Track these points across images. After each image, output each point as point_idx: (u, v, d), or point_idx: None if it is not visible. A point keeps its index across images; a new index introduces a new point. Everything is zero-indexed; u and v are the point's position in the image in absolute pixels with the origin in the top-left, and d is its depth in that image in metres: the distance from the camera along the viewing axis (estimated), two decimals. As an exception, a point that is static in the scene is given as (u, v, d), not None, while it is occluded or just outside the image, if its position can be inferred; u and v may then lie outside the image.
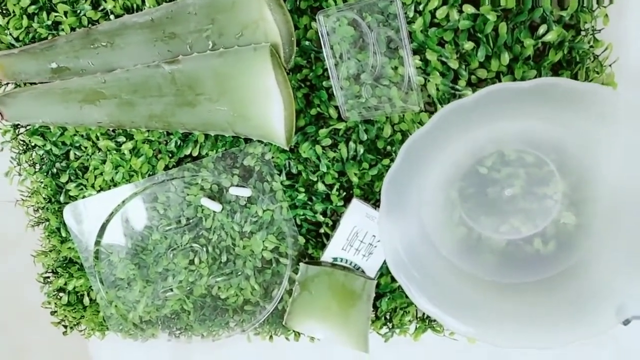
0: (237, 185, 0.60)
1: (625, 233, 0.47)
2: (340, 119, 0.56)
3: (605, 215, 0.49)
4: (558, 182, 0.52)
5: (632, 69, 0.53)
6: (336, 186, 0.58)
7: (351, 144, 0.56)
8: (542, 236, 0.53)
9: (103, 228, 0.62)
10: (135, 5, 0.58)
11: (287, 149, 0.57)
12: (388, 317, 0.61)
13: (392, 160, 0.56)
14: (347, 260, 0.57)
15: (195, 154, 0.60)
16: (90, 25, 0.59)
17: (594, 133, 0.46)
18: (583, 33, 0.52)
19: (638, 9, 0.53)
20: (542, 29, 0.51)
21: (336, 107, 0.56)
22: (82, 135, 0.62)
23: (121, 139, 0.61)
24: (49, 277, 0.68)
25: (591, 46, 0.52)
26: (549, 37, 0.51)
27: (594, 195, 0.50)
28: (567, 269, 0.50)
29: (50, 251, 0.67)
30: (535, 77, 0.52)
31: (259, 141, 0.58)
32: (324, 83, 0.56)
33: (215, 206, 0.60)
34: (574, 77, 0.53)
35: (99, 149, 0.62)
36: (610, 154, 0.47)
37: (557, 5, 0.52)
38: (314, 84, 0.57)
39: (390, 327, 0.61)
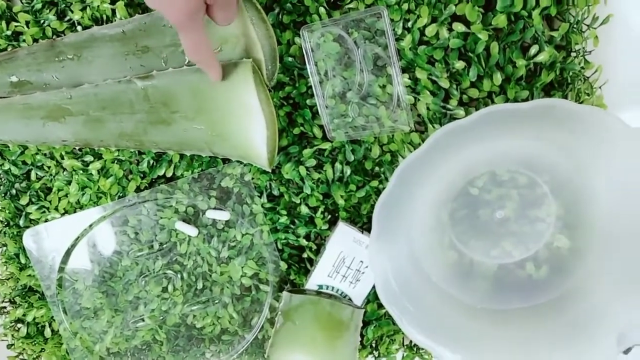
0: (214, 208, 0.58)
1: (622, 257, 0.47)
2: (325, 138, 0.55)
3: (601, 239, 0.49)
4: (551, 204, 0.52)
5: (620, 91, 0.54)
6: (321, 209, 0.56)
7: (337, 165, 0.55)
8: (534, 260, 0.53)
9: (68, 254, 0.60)
10: (105, 17, 0.56)
11: (269, 171, 0.55)
12: (374, 345, 0.60)
13: (380, 182, 0.55)
14: (333, 288, 0.56)
15: (169, 174, 0.58)
16: (54, 37, 0.57)
17: (590, 155, 0.47)
18: (574, 54, 0.53)
19: (625, 31, 0.54)
20: (533, 49, 0.51)
21: (321, 127, 0.55)
22: (44, 154, 0.59)
23: (88, 158, 0.59)
24: (5, 307, 0.64)
25: (582, 67, 0.53)
26: (541, 58, 0.51)
27: (588, 218, 0.50)
28: (562, 295, 0.50)
29: (8, 279, 0.63)
30: (527, 97, 0.52)
31: (238, 161, 0.56)
32: (308, 101, 0.55)
33: (191, 230, 0.58)
34: (565, 98, 0.53)
35: (64, 169, 0.59)
36: (606, 176, 0.47)
37: (547, 26, 0.53)
38: (297, 102, 0.55)
39: (377, 355, 0.59)
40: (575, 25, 0.51)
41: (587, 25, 0.52)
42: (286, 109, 0.55)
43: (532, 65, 0.52)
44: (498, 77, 0.51)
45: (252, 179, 0.57)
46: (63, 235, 0.59)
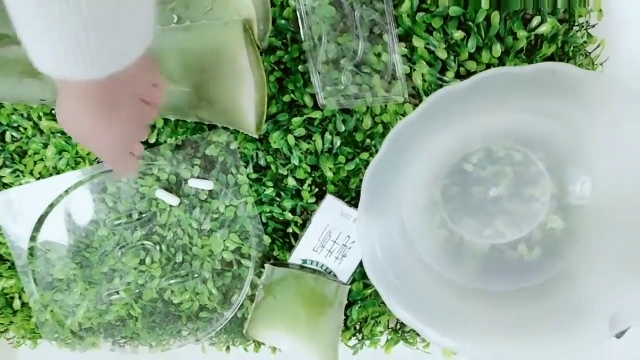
0: (198, 177, 0.56)
1: (617, 239, 0.47)
2: (316, 107, 0.54)
3: (596, 220, 0.49)
4: (547, 183, 0.51)
5: (621, 70, 0.53)
6: (308, 181, 0.55)
7: (327, 136, 0.54)
8: (527, 241, 0.53)
9: (41, 221, 0.57)
10: None
11: (257, 138, 0.53)
12: (358, 327, 0.58)
13: (371, 155, 0.54)
14: (317, 263, 0.54)
15: (152, 141, 0.56)
16: None
17: (590, 129, 0.46)
18: (576, 28, 0.52)
19: (632, 5, 0.53)
20: (535, 20, 0.51)
21: (312, 95, 0.54)
22: (21, 115, 0.57)
23: (67, 120, 0.56)
24: None
25: (585, 41, 0.52)
26: (543, 30, 0.50)
27: (584, 198, 0.50)
28: (555, 277, 0.50)
29: None
30: None
31: (224, 128, 0.55)
32: (300, 67, 0.53)
33: (173, 200, 0.56)
34: None
35: (41, 131, 0.57)
36: (605, 153, 0.47)
37: None
38: (289, 68, 0.54)
39: (360, 338, 0.58)
40: None
41: None
42: (277, 75, 0.53)
43: (533, 38, 0.51)
44: (498, 49, 0.50)
45: (239, 148, 0.55)
46: (37, 201, 0.57)
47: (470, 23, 0.50)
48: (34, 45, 0.32)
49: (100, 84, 0.34)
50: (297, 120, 0.53)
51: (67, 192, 0.57)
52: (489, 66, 0.52)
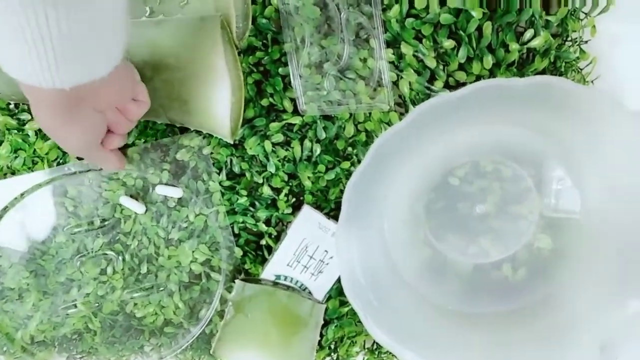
0: (166, 184, 0.53)
1: (607, 259, 0.46)
2: (295, 112, 0.52)
3: (585, 240, 0.48)
4: (535, 200, 0.50)
5: (612, 87, 0.53)
6: (285, 190, 0.52)
7: (306, 143, 0.52)
8: (512, 261, 0.52)
9: None
10: None
11: (231, 143, 0.51)
12: (333, 346, 0.56)
13: (352, 164, 0.52)
14: (292, 279, 0.52)
15: (119, 143, 0.53)
16: None
17: (581, 146, 0.45)
18: (569, 43, 0.52)
19: (624, 23, 0.53)
20: (528, 33, 0.50)
21: (292, 100, 0.52)
22: (-28, 108, 0.54)
23: (25, 116, 0.53)
24: None
25: (577, 57, 0.52)
26: (536, 43, 0.50)
27: (573, 217, 0.49)
28: (540, 300, 0.49)
29: None
30: None
31: (197, 132, 0.52)
32: (281, 70, 0.51)
33: (138, 207, 0.53)
34: None
35: (-5, 127, 0.54)
36: (597, 170, 0.46)
37: (544, 10, 0.51)
38: (269, 70, 0.52)
39: (335, 358, 0.56)
40: (573, 12, 0.50)
41: (586, 14, 0.51)
42: (255, 77, 0.51)
43: (525, 51, 0.51)
44: (489, 60, 0.49)
45: (212, 153, 0.53)
46: None
47: (461, 32, 0.49)
48: (3, 51, 0.33)
49: (63, 92, 0.35)
50: (275, 125, 0.51)
51: (22, 195, 0.53)
52: (478, 77, 0.51)
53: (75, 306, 0.56)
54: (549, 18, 0.49)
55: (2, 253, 0.55)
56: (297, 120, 0.51)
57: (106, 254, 0.55)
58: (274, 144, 0.52)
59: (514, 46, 0.49)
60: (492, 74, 0.50)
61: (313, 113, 0.50)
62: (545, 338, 0.45)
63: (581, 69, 0.52)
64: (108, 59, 0.37)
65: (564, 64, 0.51)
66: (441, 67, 0.50)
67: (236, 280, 0.52)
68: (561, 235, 0.50)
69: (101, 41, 0.35)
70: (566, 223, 0.49)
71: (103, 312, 0.56)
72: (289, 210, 0.53)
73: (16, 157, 0.54)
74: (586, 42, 0.52)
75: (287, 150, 0.52)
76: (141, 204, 0.53)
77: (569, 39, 0.52)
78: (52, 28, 0.31)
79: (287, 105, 0.51)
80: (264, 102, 0.52)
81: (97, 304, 0.56)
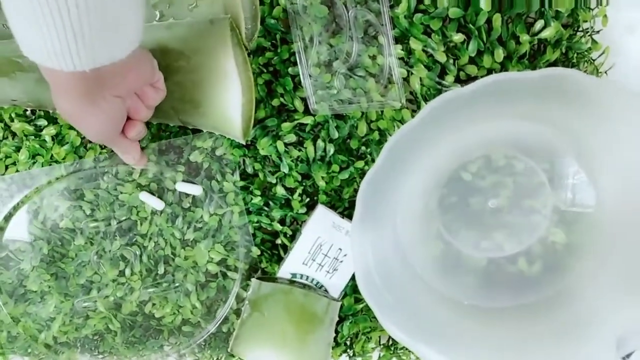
0: (186, 181, 0.54)
1: (622, 253, 0.46)
2: (307, 112, 0.52)
3: (599, 234, 0.48)
4: (548, 194, 0.50)
5: (625, 77, 0.53)
6: (299, 190, 0.53)
7: (319, 142, 0.52)
8: (526, 255, 0.52)
9: (7, 219, 0.55)
10: None
11: (243, 144, 0.52)
12: (349, 343, 0.57)
13: (366, 163, 0.52)
14: (307, 277, 0.53)
15: (133, 145, 0.54)
16: None
17: (595, 138, 0.45)
18: (580, 33, 0.52)
19: (635, 12, 0.52)
20: (538, 24, 0.50)
21: (302, 99, 0.52)
22: (-9, 116, 0.55)
23: (41, 122, 0.55)
24: None
25: (589, 48, 0.51)
26: (547, 34, 0.49)
27: (587, 212, 0.49)
28: (556, 294, 0.49)
29: None
30: None
31: (209, 133, 0.53)
32: (290, 70, 0.52)
33: (157, 203, 0.54)
34: None
35: (13, 134, 0.55)
36: (611, 165, 0.46)
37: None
38: (278, 70, 0.52)
39: (351, 354, 0.57)
40: (583, 2, 0.50)
41: (597, 2, 0.51)
42: (265, 77, 0.52)
43: (535, 42, 0.51)
44: (500, 53, 0.49)
45: (224, 154, 0.53)
46: (7, 196, 0.55)
47: (471, 25, 0.49)
48: (23, 34, 0.34)
49: (85, 75, 0.36)
50: (286, 125, 0.52)
51: (37, 189, 0.55)
52: (490, 71, 0.51)
53: (96, 307, 0.57)
54: (559, 9, 0.49)
55: (24, 256, 0.56)
56: (308, 120, 0.52)
57: (124, 256, 0.56)
58: (286, 144, 0.52)
59: (524, 38, 0.49)
60: (503, 66, 0.50)
61: (324, 112, 0.51)
62: (561, 332, 0.45)
63: (594, 60, 0.52)
64: (127, 39, 0.37)
65: (575, 54, 0.51)
66: (451, 61, 0.50)
67: (252, 279, 0.53)
68: (575, 230, 0.50)
69: (120, 20, 0.35)
70: (580, 217, 0.49)
71: (123, 313, 0.57)
72: (303, 210, 0.54)
73: (34, 163, 0.55)
74: (598, 32, 0.52)
75: (300, 150, 0.53)
76: (160, 201, 0.54)
77: (580, 29, 0.51)
78: (70, 4, 0.31)
79: (298, 104, 0.52)
80: (275, 102, 0.52)
81: (116, 305, 0.57)
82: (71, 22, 0.31)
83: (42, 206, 0.55)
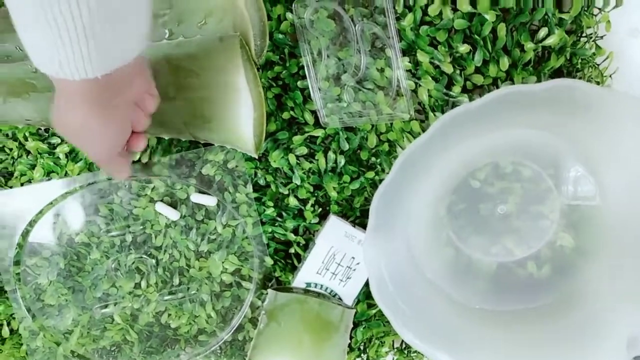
0: (200, 192, 0.56)
1: (630, 257, 0.47)
2: (317, 125, 0.54)
3: (607, 238, 0.50)
4: (555, 200, 0.52)
5: (630, 81, 0.55)
6: (311, 201, 0.55)
7: (330, 154, 0.54)
8: (536, 259, 0.53)
9: (25, 235, 0.57)
10: None
11: (256, 157, 0.54)
12: (362, 347, 0.59)
13: (376, 174, 0.54)
14: (322, 286, 0.55)
15: (144, 160, 0.56)
16: None
17: (602, 146, 0.47)
18: (584, 39, 0.53)
19: (638, 16, 0.54)
20: (542, 32, 0.51)
21: (312, 112, 0.54)
22: (6, 135, 0.57)
23: (55, 140, 0.57)
24: None
25: (593, 53, 0.53)
26: (551, 41, 0.51)
27: (596, 216, 0.50)
28: (565, 297, 0.51)
29: None
30: (535, 83, 0.52)
31: (220, 147, 0.55)
32: (299, 83, 0.54)
33: (173, 214, 0.56)
34: None
35: (27, 152, 0.57)
36: (617, 170, 0.48)
37: (557, 8, 0.52)
38: (287, 84, 0.54)
39: (365, 358, 0.59)
40: (587, 8, 0.51)
41: (599, 9, 0.52)
42: (275, 91, 0.54)
43: (540, 49, 0.52)
44: (505, 62, 0.51)
45: (236, 166, 0.55)
46: (24, 210, 0.57)
47: (476, 36, 0.51)
48: (34, 45, 0.34)
49: (97, 83, 0.36)
50: (297, 138, 0.54)
51: (52, 203, 0.56)
52: (495, 79, 0.52)
53: (113, 319, 0.59)
54: (563, 16, 0.51)
55: (41, 271, 0.58)
56: (319, 132, 0.54)
57: (139, 269, 0.58)
58: (298, 157, 0.54)
59: (529, 45, 0.50)
60: (508, 74, 0.52)
61: (335, 125, 0.53)
62: (572, 334, 0.47)
63: (598, 65, 0.53)
64: (137, 39, 0.37)
65: (580, 60, 0.53)
66: (458, 71, 0.52)
67: (269, 290, 0.55)
68: (583, 234, 0.51)
69: (130, 19, 0.35)
70: (587, 221, 0.51)
71: (139, 324, 0.59)
72: (316, 220, 0.55)
73: (49, 180, 0.57)
74: (601, 37, 0.53)
75: (311, 162, 0.54)
76: (175, 211, 0.56)
77: (584, 35, 0.53)
78: (82, 5, 0.31)
79: (309, 117, 0.54)
80: (285, 115, 0.54)
81: (133, 317, 0.59)
82: (82, 23, 0.31)
83: (57, 222, 0.57)
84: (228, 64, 0.49)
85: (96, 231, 0.57)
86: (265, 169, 0.56)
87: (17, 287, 0.58)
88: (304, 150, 0.54)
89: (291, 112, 0.54)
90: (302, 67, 0.53)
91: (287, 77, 0.54)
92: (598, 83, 0.54)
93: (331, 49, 0.52)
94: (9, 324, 0.61)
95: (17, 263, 0.58)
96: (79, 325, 0.59)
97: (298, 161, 0.54)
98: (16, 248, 0.57)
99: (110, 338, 0.59)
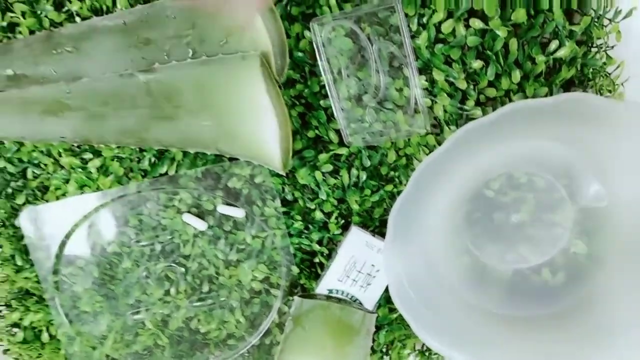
0: (227, 204, 0.59)
1: None
2: (341, 143, 0.57)
3: (621, 245, 0.52)
4: (569, 209, 0.54)
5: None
6: (335, 214, 0.59)
7: (353, 171, 0.58)
8: (550, 266, 0.56)
9: (62, 247, 0.61)
10: (104, 7, 0.57)
11: (283, 175, 0.57)
12: (385, 350, 0.62)
13: (395, 186, 0.57)
14: (343, 292, 0.58)
15: (171, 172, 0.59)
16: (52, 28, 0.58)
17: (613, 156, 0.48)
18: (594, 49, 0.55)
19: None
20: (553, 44, 0.53)
21: (337, 131, 0.57)
22: (41, 151, 0.61)
23: (87, 155, 0.60)
24: (0, 311, 0.66)
25: (604, 63, 0.55)
26: (562, 53, 0.53)
27: (608, 223, 0.52)
28: (581, 302, 0.53)
29: (3, 281, 0.65)
30: (546, 94, 0.55)
31: (246, 161, 0.58)
32: (322, 102, 0.56)
33: (200, 224, 0.59)
34: None
35: (61, 167, 0.61)
36: (630, 180, 0.49)
37: (567, 20, 0.54)
38: (310, 103, 0.57)
39: (387, 360, 0.62)
40: (596, 20, 0.53)
41: (609, 20, 0.54)
42: (298, 109, 0.56)
43: (551, 61, 0.54)
44: (517, 75, 0.53)
45: (264, 181, 0.59)
46: (60, 223, 0.61)
47: (488, 52, 0.53)
48: None
49: None
50: (323, 157, 0.57)
51: (86, 216, 0.60)
52: (508, 92, 0.55)
53: (144, 325, 0.63)
54: (573, 28, 0.53)
55: (76, 280, 0.62)
56: (343, 150, 0.57)
57: (169, 276, 0.62)
58: (324, 173, 0.58)
59: (540, 58, 0.53)
60: (520, 87, 0.54)
61: (358, 144, 0.56)
62: (587, 339, 0.49)
63: (609, 74, 0.55)
64: None
65: (591, 70, 0.55)
66: (471, 86, 0.54)
67: (295, 297, 0.59)
68: (596, 242, 0.53)
69: None
70: (601, 230, 0.53)
71: (170, 329, 0.63)
72: (339, 231, 0.59)
73: (82, 193, 0.60)
74: (612, 47, 0.55)
75: (336, 178, 0.58)
76: (203, 222, 0.60)
77: (594, 45, 0.55)
78: None
79: (333, 136, 0.57)
80: (310, 134, 0.57)
81: (164, 322, 0.62)
82: None
83: (91, 233, 0.61)
84: (251, 83, 0.51)
85: (127, 241, 0.61)
86: (293, 185, 0.59)
87: (55, 295, 0.62)
88: (329, 168, 0.57)
89: (316, 131, 0.57)
90: (324, 86, 0.55)
91: (309, 95, 0.56)
92: (610, 92, 0.56)
93: (350, 68, 0.54)
94: (47, 329, 0.65)
95: (55, 272, 0.61)
96: (113, 330, 0.63)
97: (324, 177, 0.58)
98: (54, 258, 0.61)
99: (142, 342, 0.63)
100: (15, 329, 0.66)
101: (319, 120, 0.57)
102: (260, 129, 0.53)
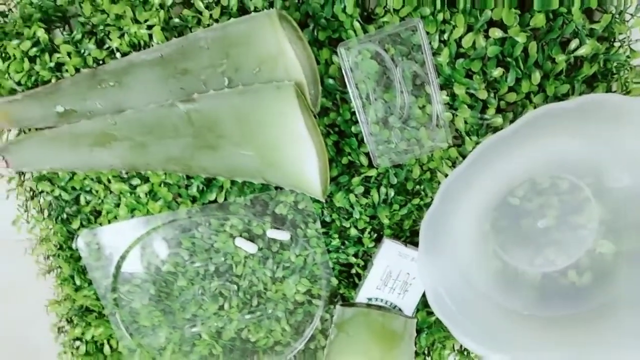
0: (275, 228, 0.65)
1: None
2: (370, 165, 0.61)
3: None
4: (594, 208, 0.56)
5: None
6: (368, 229, 0.64)
7: (382, 189, 0.62)
8: (576, 267, 0.58)
9: (118, 267, 0.67)
10: (142, 42, 0.61)
11: (323, 201, 0.62)
12: (427, 352, 0.67)
13: (421, 199, 0.62)
14: (382, 299, 0.63)
15: (220, 199, 0.63)
16: (95, 65, 0.62)
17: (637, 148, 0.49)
18: (617, 44, 0.56)
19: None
20: (573, 43, 0.55)
21: (366, 154, 0.60)
22: (92, 179, 0.65)
23: (135, 181, 0.65)
24: (63, 327, 0.73)
25: (628, 57, 0.56)
26: (582, 52, 0.54)
27: (635, 220, 0.54)
28: (608, 301, 0.55)
29: (64, 300, 0.71)
30: (568, 92, 0.56)
31: (290, 190, 0.62)
32: (353, 129, 0.59)
33: (251, 247, 0.65)
34: (609, 89, 0.57)
35: (112, 192, 0.64)
36: None
37: (587, 19, 0.55)
38: (343, 130, 0.60)
39: (429, 361, 0.67)
40: (617, 16, 0.54)
41: (631, 14, 0.55)
42: (333, 138, 0.60)
43: (572, 59, 0.55)
44: (537, 76, 0.54)
45: (306, 207, 0.64)
46: (114, 245, 0.66)
47: (508, 58, 0.55)
48: None
49: None
50: (356, 180, 0.61)
51: (140, 238, 0.66)
52: (528, 94, 0.56)
53: (200, 336, 0.69)
54: (594, 26, 0.54)
55: (134, 297, 0.69)
56: (372, 172, 0.61)
57: (222, 293, 0.68)
58: (356, 195, 0.62)
59: (560, 58, 0.53)
60: (541, 87, 0.56)
61: (385, 164, 0.60)
62: (616, 339, 0.51)
63: (634, 66, 0.56)
64: None
65: (614, 64, 0.55)
66: (492, 94, 0.56)
67: (337, 306, 0.64)
68: (624, 239, 0.55)
69: None
70: (629, 227, 0.54)
71: (223, 339, 0.69)
72: (372, 244, 0.64)
73: (133, 216, 0.66)
74: (636, 41, 0.55)
75: (367, 198, 0.63)
76: (253, 245, 0.65)
77: (617, 40, 0.55)
78: None
79: (363, 160, 0.61)
80: (344, 160, 0.61)
81: (218, 334, 0.69)
82: None
83: (144, 254, 0.67)
84: (287, 113, 0.53)
85: (181, 262, 0.67)
86: (331, 208, 0.64)
87: (115, 311, 0.69)
88: (361, 189, 0.62)
89: (349, 157, 0.60)
90: (354, 113, 0.58)
91: (342, 123, 0.59)
92: (637, 84, 0.57)
93: (377, 91, 0.57)
94: (108, 342, 0.72)
95: (113, 290, 0.68)
96: (171, 342, 0.69)
97: (357, 198, 0.62)
98: (112, 277, 0.67)
99: (198, 352, 0.70)
100: (77, 342, 0.72)
101: (351, 146, 0.61)
102: (300, 160, 0.55)
